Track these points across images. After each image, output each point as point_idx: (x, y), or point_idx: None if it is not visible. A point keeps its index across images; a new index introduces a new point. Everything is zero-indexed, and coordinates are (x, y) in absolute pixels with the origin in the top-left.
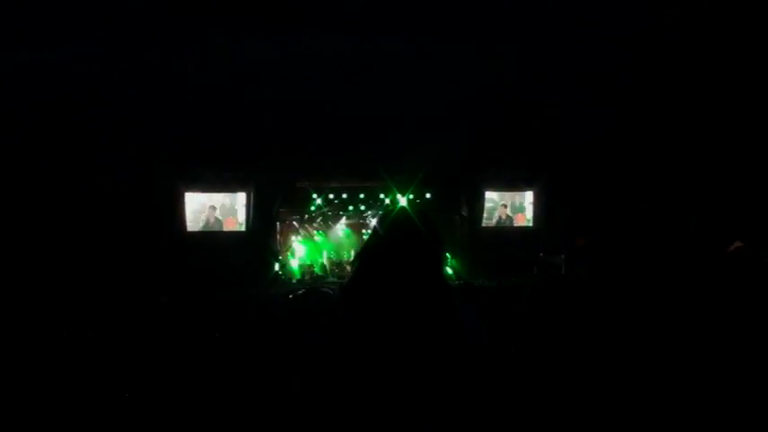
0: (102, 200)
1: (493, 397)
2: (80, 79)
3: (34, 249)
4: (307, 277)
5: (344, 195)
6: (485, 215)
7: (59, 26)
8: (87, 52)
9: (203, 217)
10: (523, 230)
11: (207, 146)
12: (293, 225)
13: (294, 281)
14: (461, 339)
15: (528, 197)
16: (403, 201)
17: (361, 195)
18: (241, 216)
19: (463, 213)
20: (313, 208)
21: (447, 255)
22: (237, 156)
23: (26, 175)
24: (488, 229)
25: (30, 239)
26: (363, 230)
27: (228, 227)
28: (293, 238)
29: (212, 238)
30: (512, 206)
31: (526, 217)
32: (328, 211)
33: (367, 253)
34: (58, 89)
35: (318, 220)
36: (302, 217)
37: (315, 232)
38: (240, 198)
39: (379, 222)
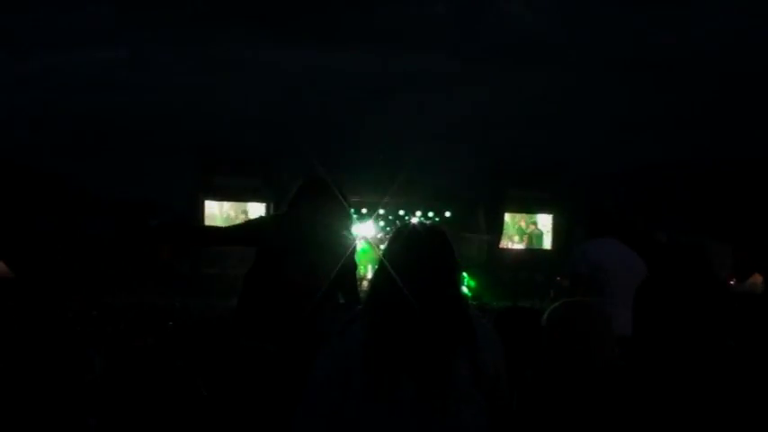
0: (120, 203)
1: (508, 421)
2: (102, 85)
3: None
4: None
5: (364, 210)
6: (503, 236)
7: (78, 32)
8: (109, 58)
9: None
10: (541, 253)
11: (228, 156)
12: None
13: None
14: (477, 359)
15: (547, 220)
16: (422, 218)
17: (381, 211)
18: None
19: (481, 234)
20: None
21: (464, 275)
22: (258, 167)
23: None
24: (506, 250)
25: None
26: (381, 246)
27: None
28: None
29: (230, 248)
30: (528, 229)
31: (543, 240)
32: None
33: (382, 270)
34: (78, 94)
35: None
36: None
37: None
38: (259, 209)
39: (395, 239)
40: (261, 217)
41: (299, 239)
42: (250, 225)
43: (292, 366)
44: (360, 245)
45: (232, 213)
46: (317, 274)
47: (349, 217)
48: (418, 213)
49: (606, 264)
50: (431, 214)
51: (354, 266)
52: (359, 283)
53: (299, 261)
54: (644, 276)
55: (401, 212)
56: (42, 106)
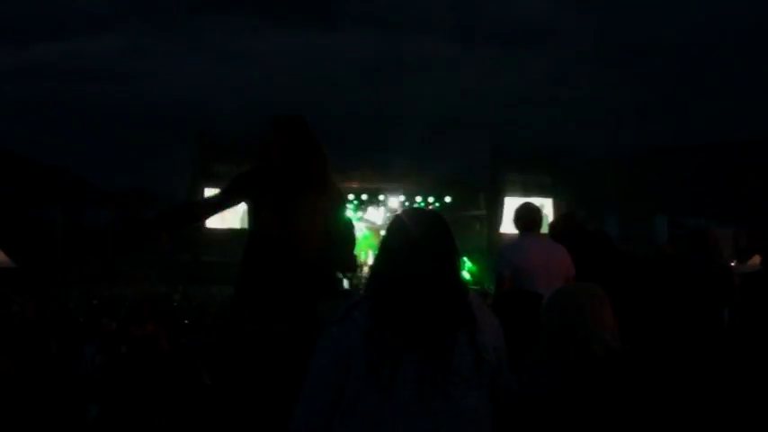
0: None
1: (509, 406)
2: (101, 74)
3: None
4: None
5: (364, 196)
6: (503, 221)
7: (79, 21)
8: (108, 46)
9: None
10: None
11: (228, 143)
12: None
13: None
14: (477, 344)
15: (547, 204)
16: (422, 204)
17: (381, 197)
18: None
19: (482, 218)
20: None
21: (464, 259)
22: (256, 153)
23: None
24: (507, 235)
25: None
26: (382, 232)
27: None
28: None
29: (229, 235)
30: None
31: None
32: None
33: (382, 255)
34: (76, 84)
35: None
36: None
37: None
38: None
39: (394, 225)
40: (244, 173)
41: (280, 192)
42: (235, 183)
43: (297, 347)
44: (361, 232)
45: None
46: (305, 228)
47: (325, 159)
48: (418, 199)
49: (527, 261)
50: (431, 200)
51: (349, 226)
52: (359, 269)
53: (282, 215)
54: (569, 267)
55: (401, 198)
56: (42, 96)
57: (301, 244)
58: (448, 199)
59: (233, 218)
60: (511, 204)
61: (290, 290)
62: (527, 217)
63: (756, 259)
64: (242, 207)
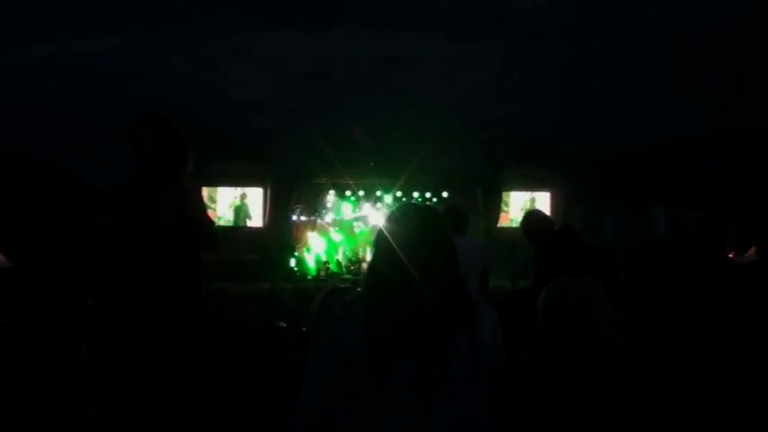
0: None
1: (508, 399)
2: (97, 74)
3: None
4: (322, 273)
5: (361, 192)
6: (501, 215)
7: (71, 22)
8: (103, 46)
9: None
10: None
11: (223, 142)
12: (310, 221)
13: (309, 277)
14: (477, 339)
15: (545, 197)
16: (419, 199)
17: (378, 193)
18: (258, 211)
19: (480, 213)
20: (329, 205)
21: None
22: (255, 151)
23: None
24: (505, 228)
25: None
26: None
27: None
28: (309, 233)
29: (229, 233)
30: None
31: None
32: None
33: (379, 252)
34: (71, 84)
35: (335, 216)
36: (319, 213)
37: (332, 229)
38: (257, 193)
39: (390, 220)
40: (120, 185)
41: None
42: (111, 196)
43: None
44: (358, 228)
45: (229, 199)
46: (162, 218)
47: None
48: (416, 194)
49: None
50: (428, 195)
51: (199, 211)
52: (358, 265)
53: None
54: (485, 262)
55: (398, 194)
56: (38, 96)
57: (161, 234)
58: (445, 194)
59: (228, 214)
60: (509, 198)
61: (158, 283)
62: (453, 218)
63: (753, 250)
64: (231, 201)
